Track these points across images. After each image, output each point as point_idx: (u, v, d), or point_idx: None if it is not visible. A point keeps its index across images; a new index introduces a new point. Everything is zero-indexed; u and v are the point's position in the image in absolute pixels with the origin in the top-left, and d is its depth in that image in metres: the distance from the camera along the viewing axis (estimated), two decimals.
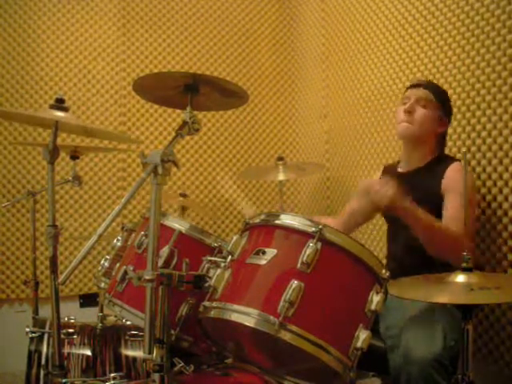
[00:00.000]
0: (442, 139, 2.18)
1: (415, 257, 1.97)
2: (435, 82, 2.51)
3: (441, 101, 2.13)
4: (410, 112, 2.10)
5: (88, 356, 1.99)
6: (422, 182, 2.05)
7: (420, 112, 2.09)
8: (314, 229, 1.38)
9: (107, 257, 1.96)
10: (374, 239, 2.95)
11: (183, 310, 1.59)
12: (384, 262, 2.25)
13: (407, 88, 2.21)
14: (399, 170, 2.24)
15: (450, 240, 1.80)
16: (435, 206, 1.96)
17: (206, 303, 1.43)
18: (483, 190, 2.22)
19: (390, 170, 2.29)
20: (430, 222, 1.82)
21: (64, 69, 3.61)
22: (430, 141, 2.14)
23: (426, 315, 1.81)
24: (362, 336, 1.36)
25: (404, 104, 2.14)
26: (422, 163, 2.14)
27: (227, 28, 3.92)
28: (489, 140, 2.22)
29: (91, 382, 1.90)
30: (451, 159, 2.12)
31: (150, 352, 1.32)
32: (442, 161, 2.11)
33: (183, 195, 3.13)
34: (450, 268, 1.56)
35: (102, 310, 2.21)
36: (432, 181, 2.03)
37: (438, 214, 1.94)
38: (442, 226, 1.86)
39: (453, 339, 1.73)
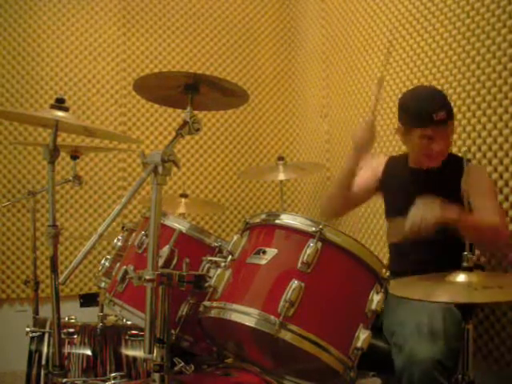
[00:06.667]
0: None
1: (423, 253, 1.97)
2: (435, 82, 2.51)
3: (453, 115, 2.02)
4: (439, 152, 2.02)
5: (88, 356, 1.99)
6: (439, 184, 2.01)
7: (446, 144, 2.02)
8: (314, 228, 1.38)
9: (107, 256, 1.96)
10: (375, 239, 2.95)
11: (183, 309, 1.59)
12: (385, 260, 2.24)
13: (427, 123, 1.95)
14: (412, 164, 2.17)
15: (492, 233, 1.87)
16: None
17: (207, 303, 1.43)
18: None
19: (399, 164, 2.23)
20: (476, 223, 1.83)
21: (64, 69, 3.61)
22: None
23: (430, 315, 1.81)
24: (363, 336, 1.36)
25: (424, 138, 1.99)
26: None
27: (227, 28, 3.92)
28: (489, 140, 2.22)
29: (91, 382, 1.90)
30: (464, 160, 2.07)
31: (151, 352, 1.32)
32: (455, 162, 2.03)
33: (183, 195, 3.13)
34: (458, 266, 1.56)
35: (102, 310, 2.21)
36: (451, 184, 1.91)
37: None
38: (484, 222, 1.87)
39: (456, 340, 1.72)
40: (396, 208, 2.21)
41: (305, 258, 1.35)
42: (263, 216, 1.50)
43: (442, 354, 1.66)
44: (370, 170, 2.30)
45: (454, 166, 2.01)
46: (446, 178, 2.01)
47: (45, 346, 1.97)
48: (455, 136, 2.37)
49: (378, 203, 2.92)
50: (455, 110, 2.35)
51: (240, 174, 3.77)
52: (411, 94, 2.13)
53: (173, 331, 1.55)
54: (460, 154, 2.27)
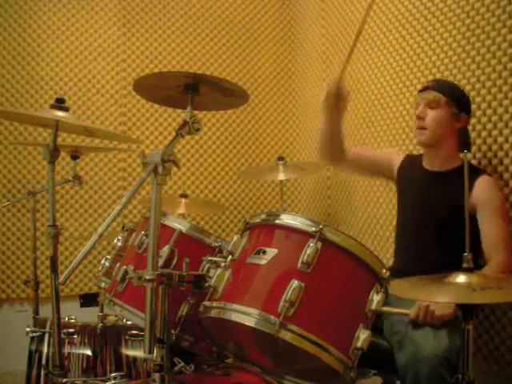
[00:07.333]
0: (463, 135, 2.11)
1: (425, 253, 1.97)
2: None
3: (453, 97, 2.06)
4: (421, 118, 2.06)
5: (88, 356, 1.99)
6: (445, 192, 2.00)
7: (431, 115, 2.05)
8: (314, 228, 1.38)
9: (108, 257, 1.96)
10: (375, 239, 2.95)
11: (183, 309, 1.59)
12: (390, 259, 2.24)
13: (417, 93, 2.16)
14: (425, 165, 2.18)
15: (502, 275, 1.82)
16: (458, 219, 1.72)
17: (207, 303, 1.43)
18: None
19: (414, 162, 2.23)
20: None
21: (64, 69, 3.61)
22: (449, 140, 2.08)
23: None
24: (363, 336, 1.36)
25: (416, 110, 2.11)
26: (444, 167, 2.09)
27: (227, 28, 3.92)
28: (489, 140, 2.22)
29: (91, 382, 1.90)
30: (478, 170, 2.05)
31: (151, 352, 1.32)
32: (469, 170, 2.01)
33: (183, 195, 3.13)
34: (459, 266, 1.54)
35: (102, 310, 2.21)
36: (457, 193, 1.78)
37: (459, 226, 1.67)
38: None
39: (459, 338, 1.72)
40: (403, 206, 2.22)
41: (305, 257, 1.35)
42: (263, 216, 1.50)
43: (447, 351, 1.66)
44: (388, 152, 2.41)
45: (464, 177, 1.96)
46: (456, 185, 1.95)
47: (45, 345, 1.97)
48: None
49: (378, 203, 2.92)
50: None
51: (240, 174, 3.77)
52: None
53: (173, 331, 1.55)
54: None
